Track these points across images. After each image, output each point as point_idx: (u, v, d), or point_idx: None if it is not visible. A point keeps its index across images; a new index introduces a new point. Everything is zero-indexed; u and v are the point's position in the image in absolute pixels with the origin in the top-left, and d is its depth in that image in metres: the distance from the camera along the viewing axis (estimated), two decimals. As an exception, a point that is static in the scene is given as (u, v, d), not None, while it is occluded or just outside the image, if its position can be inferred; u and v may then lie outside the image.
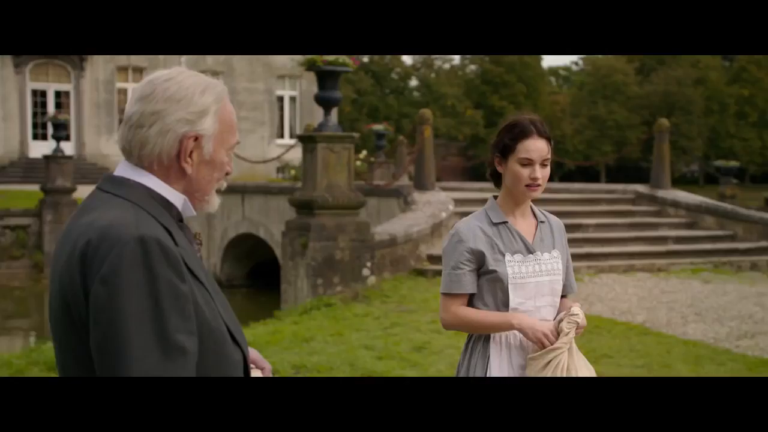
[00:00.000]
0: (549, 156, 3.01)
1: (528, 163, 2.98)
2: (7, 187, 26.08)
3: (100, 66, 31.65)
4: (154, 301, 1.69)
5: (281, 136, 34.74)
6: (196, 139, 1.88)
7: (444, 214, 12.91)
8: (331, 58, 10.88)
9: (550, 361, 2.92)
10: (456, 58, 58.28)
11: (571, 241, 13.53)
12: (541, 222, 3.14)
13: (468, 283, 3.03)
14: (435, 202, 13.25)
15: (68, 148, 27.84)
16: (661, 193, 15.66)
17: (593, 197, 15.82)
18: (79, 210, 1.88)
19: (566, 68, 67.81)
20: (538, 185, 3.00)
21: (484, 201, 3.27)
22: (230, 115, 1.95)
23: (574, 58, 66.98)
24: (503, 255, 3.01)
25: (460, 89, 55.62)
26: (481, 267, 3.02)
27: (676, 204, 15.40)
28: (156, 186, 1.88)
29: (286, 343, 8.29)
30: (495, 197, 3.16)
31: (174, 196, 1.90)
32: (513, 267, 3.01)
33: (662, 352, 7.87)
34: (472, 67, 58.14)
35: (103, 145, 31.28)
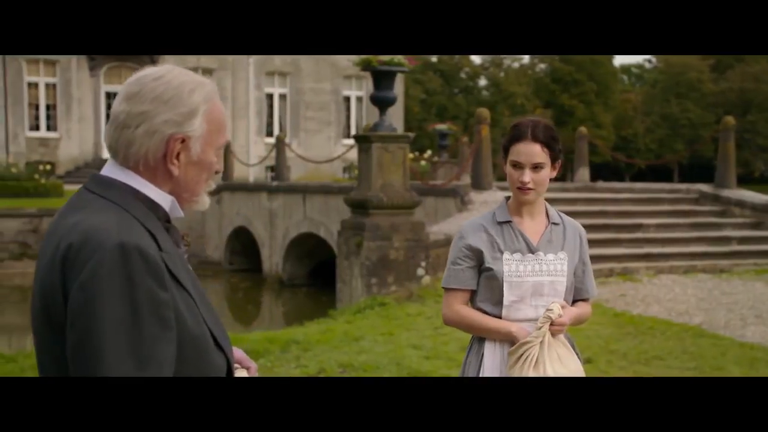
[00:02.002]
0: (542, 161, 3.00)
1: (517, 165, 3.00)
2: (80, 188, 26.74)
3: (170, 68, 32.19)
4: (131, 310, 1.66)
5: (347, 136, 34.92)
6: (183, 140, 1.84)
7: (500, 214, 12.83)
8: (386, 58, 10.87)
9: (521, 354, 2.97)
10: (525, 57, 57.87)
11: (631, 242, 13.27)
12: (554, 224, 3.14)
13: (465, 279, 3.08)
14: (491, 202, 13.17)
15: (139, 148, 28.44)
16: (726, 193, 15.29)
17: (655, 197, 15.46)
18: (65, 209, 1.85)
19: (638, 66, 66.86)
20: (529, 189, 3.00)
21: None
22: (220, 115, 1.90)
23: (646, 56, 65.95)
24: (502, 253, 3.05)
25: (529, 88, 55.24)
26: (480, 265, 3.07)
27: (741, 204, 15.01)
28: (142, 187, 1.85)
29: (336, 341, 8.35)
30: (507, 198, 3.19)
31: (161, 197, 1.87)
32: (510, 265, 3.03)
33: (716, 355, 7.69)
34: (542, 65, 57.66)
35: (173, 146, 31.89)
